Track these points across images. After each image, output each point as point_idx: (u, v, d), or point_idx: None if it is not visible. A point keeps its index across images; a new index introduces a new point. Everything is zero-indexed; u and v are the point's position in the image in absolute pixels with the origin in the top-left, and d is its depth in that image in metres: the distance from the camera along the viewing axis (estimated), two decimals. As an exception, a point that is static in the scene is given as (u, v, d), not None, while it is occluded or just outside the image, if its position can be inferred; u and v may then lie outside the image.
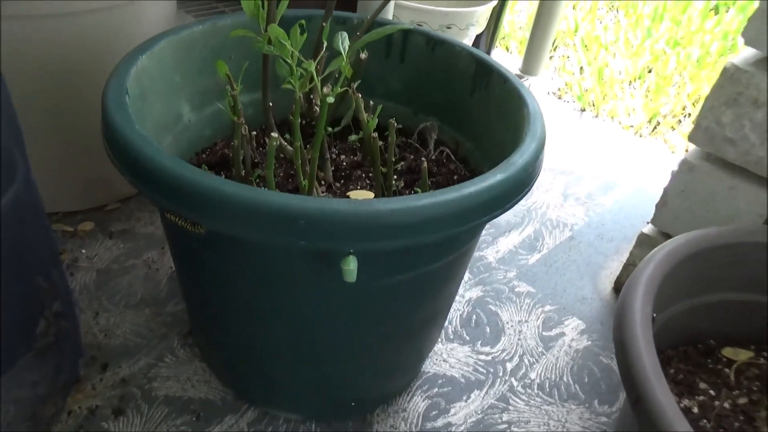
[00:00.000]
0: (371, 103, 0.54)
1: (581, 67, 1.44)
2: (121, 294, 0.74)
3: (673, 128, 1.32)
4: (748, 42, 0.62)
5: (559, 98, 1.38)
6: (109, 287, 0.75)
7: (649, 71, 1.48)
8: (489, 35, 1.24)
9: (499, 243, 0.92)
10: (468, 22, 0.90)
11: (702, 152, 0.71)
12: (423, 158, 0.50)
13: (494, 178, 0.43)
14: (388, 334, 0.53)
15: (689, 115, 1.36)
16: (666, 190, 0.76)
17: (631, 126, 1.31)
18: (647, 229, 0.81)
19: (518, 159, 0.46)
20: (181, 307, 0.73)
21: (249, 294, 0.48)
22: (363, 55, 0.48)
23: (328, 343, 0.52)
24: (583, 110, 1.34)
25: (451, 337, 0.76)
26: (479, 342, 0.75)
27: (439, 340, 0.75)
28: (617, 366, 0.41)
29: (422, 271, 0.48)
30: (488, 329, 0.77)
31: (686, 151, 1.26)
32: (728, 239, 0.52)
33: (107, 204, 0.87)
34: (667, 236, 0.78)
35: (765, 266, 0.54)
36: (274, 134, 0.43)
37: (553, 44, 1.58)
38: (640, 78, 1.46)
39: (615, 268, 0.90)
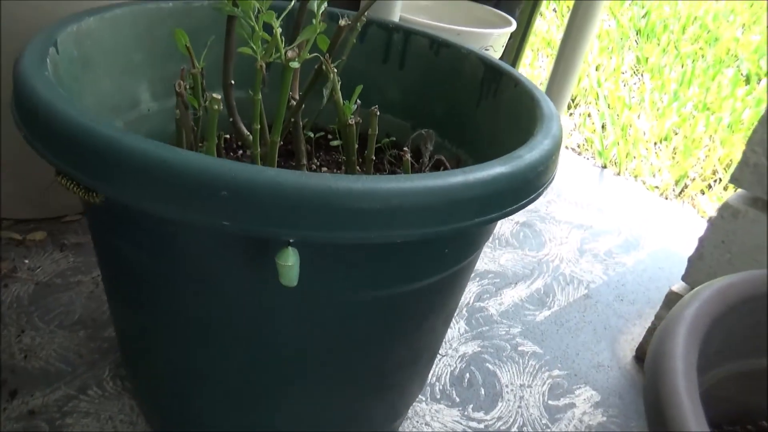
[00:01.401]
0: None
1: (603, 124, 1.36)
2: (57, 312, 0.64)
3: (703, 192, 1.22)
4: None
5: (579, 154, 1.29)
6: (45, 303, 0.64)
7: (676, 134, 1.39)
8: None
9: (503, 294, 0.80)
10: (482, 45, 0.82)
11: (748, 196, 0.61)
12: (405, 148, 0.40)
13: (492, 169, 0.33)
14: (347, 374, 0.42)
15: (720, 180, 1.26)
16: (702, 241, 0.64)
17: (657, 187, 1.21)
18: (677, 287, 0.69)
19: (525, 153, 0.36)
20: (122, 332, 0.62)
21: (165, 300, 0.37)
22: (342, 21, 0.39)
23: (267, 379, 0.40)
24: (604, 167, 1.24)
25: (438, 396, 0.63)
26: (471, 405, 0.63)
27: (423, 398, 0.62)
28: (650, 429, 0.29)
29: (395, 291, 0.37)
30: (483, 391, 0.65)
31: (708, 220, 1.15)
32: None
33: (66, 215, 0.78)
34: (702, 296, 0.66)
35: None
36: (216, 95, 0.34)
37: (574, 101, 1.52)
38: (666, 139, 1.37)
39: (637, 334, 0.78)
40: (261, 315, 0.36)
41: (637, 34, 1.99)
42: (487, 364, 0.68)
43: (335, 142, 0.55)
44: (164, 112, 0.55)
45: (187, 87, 0.38)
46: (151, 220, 0.32)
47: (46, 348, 0.59)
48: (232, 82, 0.44)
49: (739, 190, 0.61)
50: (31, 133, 0.32)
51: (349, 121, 0.41)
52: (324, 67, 0.39)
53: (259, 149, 0.42)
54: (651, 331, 0.72)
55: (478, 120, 0.54)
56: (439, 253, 0.37)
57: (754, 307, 0.40)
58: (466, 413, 0.62)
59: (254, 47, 0.38)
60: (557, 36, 1.89)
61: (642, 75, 1.70)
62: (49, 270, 0.69)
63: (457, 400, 0.63)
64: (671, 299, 0.69)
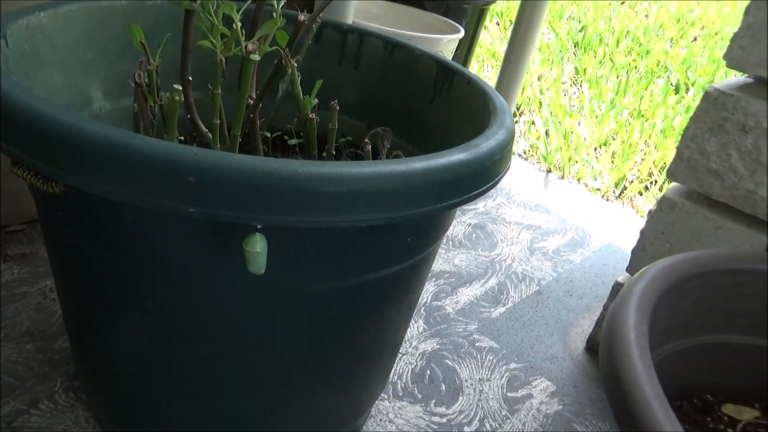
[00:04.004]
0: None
1: (547, 131, 1.42)
2: (3, 324, 0.61)
3: (640, 193, 1.28)
4: (731, 64, 0.57)
5: (525, 160, 1.34)
6: (-12, 316, 0.61)
7: (614, 139, 1.46)
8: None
9: (459, 293, 0.82)
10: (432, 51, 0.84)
11: (684, 189, 0.65)
12: (366, 140, 0.41)
13: (452, 156, 0.35)
14: (312, 365, 0.42)
15: (656, 182, 1.33)
16: (643, 233, 0.68)
17: (598, 189, 1.27)
18: (623, 278, 0.72)
19: (482, 142, 0.37)
20: (72, 342, 0.60)
21: (126, 296, 0.37)
22: (302, 17, 0.40)
23: (232, 371, 0.40)
24: (549, 171, 1.29)
25: (401, 393, 0.64)
26: (433, 401, 0.64)
27: (386, 396, 0.63)
28: (610, 402, 0.31)
29: (361, 279, 0.38)
30: (444, 387, 0.66)
31: (647, 214, 1.21)
32: (734, 264, 0.43)
33: (9, 224, 0.75)
34: (646, 286, 0.70)
35: (769, 301, 0.45)
36: (177, 86, 0.34)
37: (518, 109, 1.57)
38: (605, 144, 1.44)
39: (586, 326, 0.81)
40: (227, 305, 0.35)
41: (575, 46, 2.08)
42: (447, 361, 0.69)
43: (293, 141, 0.56)
44: (117, 111, 0.54)
45: (139, 77, 0.38)
46: (112, 209, 0.32)
47: (-9, 362, 0.57)
48: (190, 78, 0.44)
49: (676, 183, 0.65)
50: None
51: (310, 116, 0.41)
52: (284, 61, 0.40)
53: (219, 145, 0.42)
54: (600, 323, 0.75)
55: (432, 118, 0.56)
56: (402, 241, 0.38)
57: (695, 285, 0.42)
58: (428, 409, 0.62)
59: (214, 41, 0.39)
60: (500, 48, 1.96)
61: (581, 85, 1.78)
62: (-9, 282, 0.66)
63: (419, 396, 0.64)
64: (617, 290, 0.72)
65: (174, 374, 0.40)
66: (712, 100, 0.58)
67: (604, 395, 0.70)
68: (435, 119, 0.55)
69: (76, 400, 0.54)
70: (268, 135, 0.57)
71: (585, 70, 1.87)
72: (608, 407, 0.69)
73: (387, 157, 0.54)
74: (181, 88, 0.34)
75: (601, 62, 1.97)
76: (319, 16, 0.47)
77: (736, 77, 0.62)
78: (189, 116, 0.46)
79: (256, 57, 0.37)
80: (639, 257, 0.69)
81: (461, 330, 0.75)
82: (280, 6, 0.38)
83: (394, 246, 0.38)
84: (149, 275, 0.35)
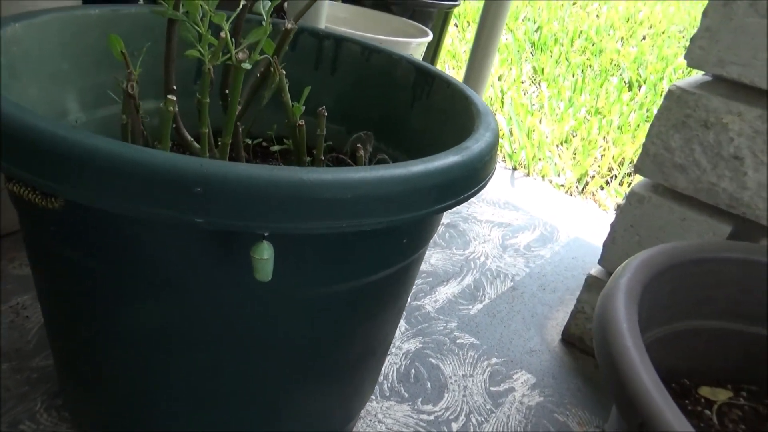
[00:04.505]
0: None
1: (510, 129, 1.45)
2: (-27, 345, 0.59)
3: (602, 187, 1.33)
4: (691, 63, 0.60)
5: (491, 158, 1.36)
6: (-42, 337, 0.59)
7: (574, 136, 1.51)
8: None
9: (437, 292, 0.83)
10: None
11: (650, 183, 0.68)
12: (358, 145, 0.42)
13: (447, 159, 0.36)
14: (309, 370, 0.42)
15: (616, 176, 1.38)
16: (613, 226, 0.71)
17: (562, 185, 1.31)
18: (595, 270, 0.75)
19: (473, 144, 0.38)
20: (51, 361, 0.58)
21: (122, 310, 0.36)
22: (289, 25, 0.40)
23: (230, 380, 0.40)
24: (514, 169, 1.32)
25: (387, 393, 0.64)
26: (420, 399, 0.65)
27: (374, 397, 0.63)
28: (609, 387, 0.32)
29: (361, 282, 0.38)
30: (429, 385, 0.67)
31: (616, 208, 1.26)
32: (702, 254, 0.46)
33: (-28, 241, 0.72)
34: (617, 277, 0.73)
35: (739, 287, 0.48)
36: (171, 96, 0.34)
37: (482, 109, 1.60)
38: (566, 141, 1.48)
39: (561, 318, 0.83)
40: (228, 315, 0.36)
41: (532, 46, 2.14)
42: (430, 359, 0.71)
43: (275, 148, 0.56)
44: (93, 122, 0.53)
45: (131, 89, 0.37)
46: (113, 223, 0.31)
47: (-35, 385, 0.55)
48: (174, 87, 0.44)
49: (643, 178, 0.68)
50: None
51: (299, 123, 0.42)
52: (272, 69, 0.40)
53: (207, 154, 0.42)
54: (574, 315, 0.78)
55: (412, 121, 0.57)
56: (399, 243, 0.39)
57: (671, 276, 0.45)
58: (416, 407, 0.63)
59: (202, 50, 0.38)
60: (460, 48, 1.99)
61: (539, 84, 1.82)
62: (-42, 302, 0.63)
63: (406, 395, 0.65)
64: (591, 283, 0.75)
65: (171, 382, 0.39)
66: (675, 98, 0.61)
67: (581, 385, 0.72)
68: (415, 123, 0.56)
69: (59, 419, 0.53)
70: (249, 142, 0.57)
71: (543, 69, 1.92)
72: (586, 397, 0.72)
73: (371, 161, 0.54)
74: (174, 98, 0.34)
75: (557, 61, 2.03)
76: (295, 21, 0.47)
77: (693, 75, 0.66)
78: (174, 126, 0.45)
79: (247, 66, 0.37)
80: (610, 250, 0.72)
81: (442, 328, 0.76)
82: (269, 13, 0.38)
83: (391, 248, 0.39)
84: (149, 286, 0.35)
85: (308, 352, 0.40)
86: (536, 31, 2.28)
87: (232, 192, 0.28)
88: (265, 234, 0.30)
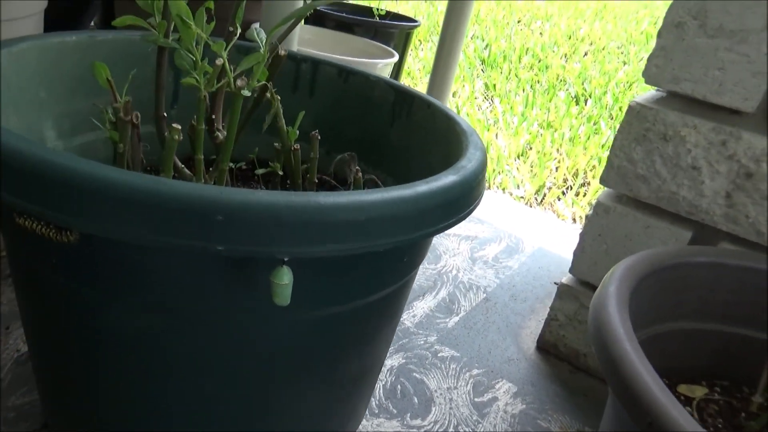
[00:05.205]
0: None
1: (469, 145, 1.49)
2: (-60, 388, 0.56)
3: (559, 198, 1.38)
4: (649, 81, 0.64)
5: (452, 173, 1.40)
6: (-77, 381, 0.56)
7: (530, 149, 1.56)
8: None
9: (414, 307, 0.85)
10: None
11: (615, 194, 0.71)
12: (357, 168, 0.43)
13: (447, 178, 0.37)
14: (310, 392, 0.42)
15: (571, 187, 1.44)
16: (582, 236, 0.74)
17: (521, 197, 1.35)
18: (566, 279, 0.78)
19: (467, 164, 0.40)
20: (30, 398, 0.56)
21: (130, 339, 0.35)
22: (282, 52, 0.41)
23: (234, 405, 0.39)
24: (476, 183, 1.36)
25: (376, 411, 0.65)
26: (408, 414, 0.65)
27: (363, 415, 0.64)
28: (614, 391, 0.34)
29: (366, 300, 0.39)
30: (416, 399, 0.68)
31: (575, 219, 1.31)
32: (675, 259, 0.49)
33: (-70, 278, 0.68)
34: (588, 285, 0.76)
35: (708, 288, 0.52)
36: (176, 125, 0.34)
37: (440, 125, 1.63)
38: (523, 154, 1.53)
39: (534, 327, 0.86)
40: (240, 340, 0.35)
41: (482, 63, 2.20)
42: (414, 374, 0.72)
43: (260, 171, 0.56)
44: (70, 150, 0.52)
45: (136, 118, 0.37)
46: (127, 254, 0.31)
47: (-65, 431, 0.52)
48: (165, 114, 0.44)
49: (608, 189, 0.72)
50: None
51: (294, 147, 0.42)
52: (270, 95, 0.41)
53: (203, 180, 0.42)
54: (548, 323, 0.80)
55: (393, 142, 0.58)
56: (400, 261, 0.40)
57: (651, 282, 0.48)
58: (405, 422, 0.64)
59: (198, 78, 0.39)
60: (414, 66, 2.03)
61: (492, 99, 1.88)
62: None
63: (395, 411, 0.65)
64: (563, 291, 0.77)
65: (174, 406, 0.39)
66: (635, 113, 0.65)
67: (559, 390, 0.75)
68: (396, 143, 0.58)
69: (42, 460, 0.51)
70: (233, 165, 0.57)
71: (495, 85, 1.98)
72: (565, 402, 0.74)
73: (356, 182, 0.55)
74: (179, 127, 0.34)
75: (507, 78, 2.10)
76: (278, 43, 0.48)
77: (649, 91, 0.70)
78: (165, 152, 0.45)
79: (246, 92, 0.37)
80: (580, 258, 0.75)
81: (422, 342, 0.78)
82: (265, 41, 0.39)
83: (393, 267, 0.40)
84: (159, 313, 0.34)
85: (311, 372, 0.41)
86: (485, 48, 2.35)
87: (253, 218, 0.29)
88: (285, 259, 0.30)
